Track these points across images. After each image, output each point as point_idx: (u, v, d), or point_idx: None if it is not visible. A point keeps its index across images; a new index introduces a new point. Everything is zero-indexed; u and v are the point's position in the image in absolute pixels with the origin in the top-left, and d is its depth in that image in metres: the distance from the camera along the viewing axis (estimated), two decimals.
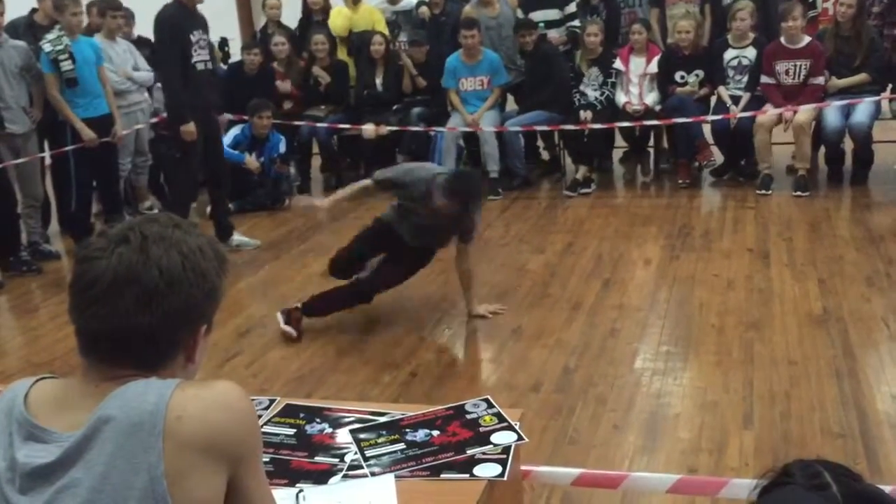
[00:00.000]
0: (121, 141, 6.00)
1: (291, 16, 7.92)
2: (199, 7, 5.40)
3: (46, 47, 5.52)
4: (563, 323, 4.20)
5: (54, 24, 5.97)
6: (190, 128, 5.31)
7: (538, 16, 6.99)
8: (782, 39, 6.18)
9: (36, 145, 5.72)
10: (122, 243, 1.19)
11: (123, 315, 1.15)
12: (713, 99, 6.59)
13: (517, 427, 1.96)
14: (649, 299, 4.42)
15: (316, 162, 7.59)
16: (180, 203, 5.68)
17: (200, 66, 5.37)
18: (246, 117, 6.74)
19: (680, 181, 6.64)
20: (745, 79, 6.38)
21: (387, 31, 7.39)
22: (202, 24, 5.42)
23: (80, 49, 5.63)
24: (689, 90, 6.48)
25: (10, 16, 5.82)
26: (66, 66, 5.53)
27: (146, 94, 6.68)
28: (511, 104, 7.34)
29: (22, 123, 5.57)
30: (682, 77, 6.53)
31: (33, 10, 6.21)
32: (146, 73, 6.59)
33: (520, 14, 7.05)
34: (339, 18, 7.46)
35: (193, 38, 5.30)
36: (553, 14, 7.05)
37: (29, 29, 5.99)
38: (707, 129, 6.53)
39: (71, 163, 5.75)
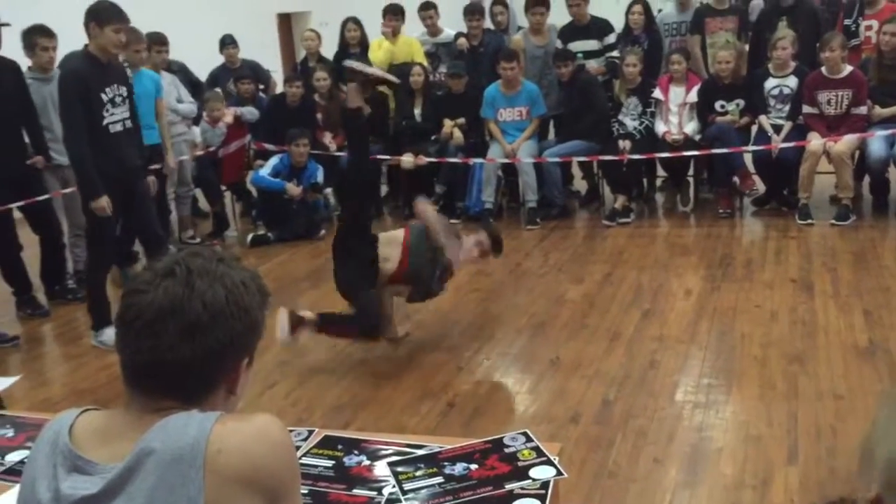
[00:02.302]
0: (173, 168, 6.14)
1: (329, 49, 8.05)
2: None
3: None
4: (602, 354, 4.16)
5: None
6: (101, 203, 4.49)
7: (577, 46, 7.02)
8: (823, 70, 6.12)
9: None
10: (167, 277, 1.21)
11: (167, 348, 1.17)
12: (754, 128, 6.54)
13: (556, 462, 1.94)
14: (690, 330, 4.37)
15: None
16: (95, 275, 4.87)
17: (116, 128, 4.61)
18: (286, 147, 6.84)
19: (721, 210, 6.58)
20: (787, 108, 6.32)
21: (426, 62, 7.46)
22: (118, 77, 4.69)
23: (140, 82, 5.78)
24: (729, 119, 6.44)
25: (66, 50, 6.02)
26: None
27: (190, 126, 6.82)
28: (551, 133, 7.36)
29: None
30: (723, 106, 6.49)
31: (87, 46, 6.36)
32: (189, 105, 6.73)
33: (559, 45, 7.08)
34: (380, 51, 7.55)
35: (105, 97, 4.55)
36: (592, 45, 7.06)
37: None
38: (748, 157, 6.48)
39: None
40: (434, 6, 7.68)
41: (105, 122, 4.54)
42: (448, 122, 7.07)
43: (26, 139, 5.39)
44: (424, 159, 7.03)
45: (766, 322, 4.38)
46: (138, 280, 1.23)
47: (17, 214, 5.39)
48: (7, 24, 5.13)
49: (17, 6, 6.11)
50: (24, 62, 5.51)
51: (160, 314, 1.18)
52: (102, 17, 4.45)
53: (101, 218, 4.58)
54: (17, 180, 5.22)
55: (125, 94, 4.69)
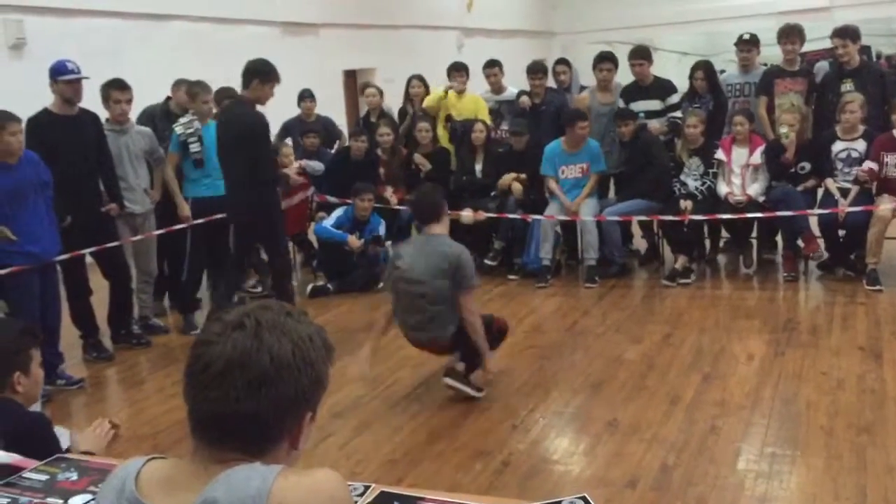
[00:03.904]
0: None
1: (392, 105, 8.21)
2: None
3: (178, 129, 6.01)
4: (661, 417, 4.08)
5: (186, 112, 6.41)
6: None
7: (639, 106, 7.04)
8: (894, 132, 6.02)
9: (154, 224, 6.04)
10: (237, 329, 1.23)
11: (234, 400, 1.19)
12: (820, 191, 6.43)
13: None
14: (753, 396, 4.26)
15: None
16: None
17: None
18: (349, 200, 6.95)
19: (785, 274, 6.45)
20: (854, 171, 6.21)
21: (489, 120, 7.55)
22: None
23: (209, 133, 5.99)
24: (785, 140, 6.30)
25: (144, 102, 6.32)
26: (195, 147, 5.95)
27: None
28: (612, 192, 7.35)
29: (141, 204, 5.91)
30: (790, 168, 6.41)
31: (168, 99, 6.65)
32: None
33: (621, 104, 7.11)
34: (435, 99, 7.65)
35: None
36: (654, 105, 7.08)
37: (165, 116, 6.46)
38: (814, 220, 6.36)
39: (188, 238, 6.04)
40: (499, 64, 7.80)
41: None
42: (508, 176, 7.11)
43: (101, 187, 5.60)
44: (484, 214, 7.07)
45: (832, 390, 4.25)
46: (208, 331, 1.26)
47: (88, 259, 5.56)
48: (86, 77, 5.36)
49: (98, 61, 6.40)
50: (103, 114, 5.75)
51: (228, 366, 1.20)
52: (267, 76, 5.33)
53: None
54: (91, 226, 5.41)
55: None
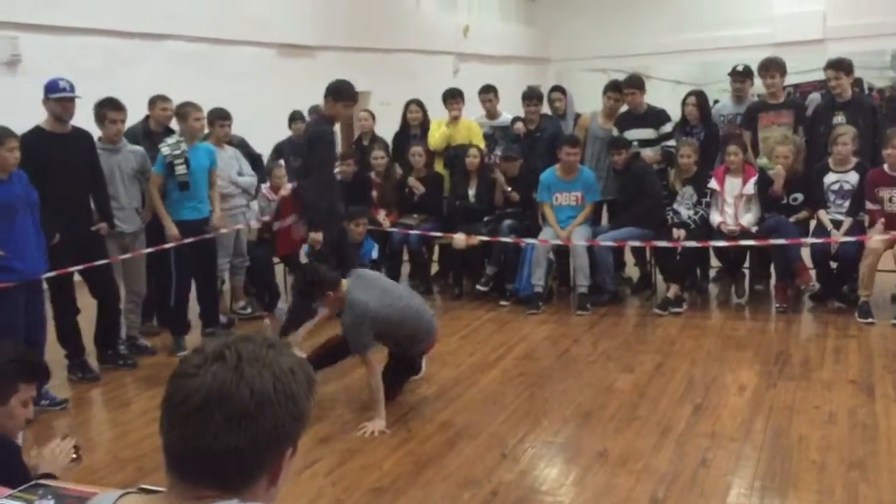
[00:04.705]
0: (217, 230, 6.23)
1: (388, 128, 8.21)
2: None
3: (164, 150, 5.86)
4: (652, 448, 4.04)
5: (167, 130, 6.39)
6: (318, 237, 5.95)
7: (633, 134, 7.05)
8: (885, 167, 6.03)
9: (144, 244, 5.99)
10: (217, 361, 1.19)
11: (212, 436, 1.15)
12: (812, 223, 6.43)
13: None
14: (744, 429, 4.22)
15: (406, 269, 7.69)
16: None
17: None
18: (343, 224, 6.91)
19: (777, 305, 6.44)
20: (847, 203, 6.22)
21: (483, 145, 7.55)
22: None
23: (196, 155, 5.95)
24: (771, 173, 6.32)
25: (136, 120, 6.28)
26: (181, 170, 5.84)
27: (249, 200, 6.97)
28: (605, 219, 7.35)
29: (132, 223, 5.87)
30: (783, 199, 6.41)
31: (146, 118, 6.60)
32: (250, 179, 6.89)
33: (615, 132, 7.12)
34: (438, 133, 7.68)
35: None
36: (648, 133, 7.09)
37: (146, 136, 6.37)
38: (806, 252, 6.36)
39: (172, 259, 5.97)
40: (494, 90, 7.82)
41: (336, 170, 5.94)
42: (462, 237, 7.06)
43: (92, 206, 5.56)
44: (476, 239, 7.05)
45: (824, 424, 4.22)
46: (187, 362, 1.21)
47: (76, 277, 5.51)
48: (79, 97, 5.34)
49: (92, 79, 6.39)
50: (95, 132, 5.72)
51: (207, 400, 1.16)
52: (338, 94, 5.83)
53: (326, 249, 5.91)
54: (80, 245, 5.36)
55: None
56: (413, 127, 7.84)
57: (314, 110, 7.90)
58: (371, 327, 4.48)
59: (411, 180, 7.50)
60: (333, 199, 5.98)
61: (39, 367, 2.76)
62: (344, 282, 4.62)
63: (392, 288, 4.81)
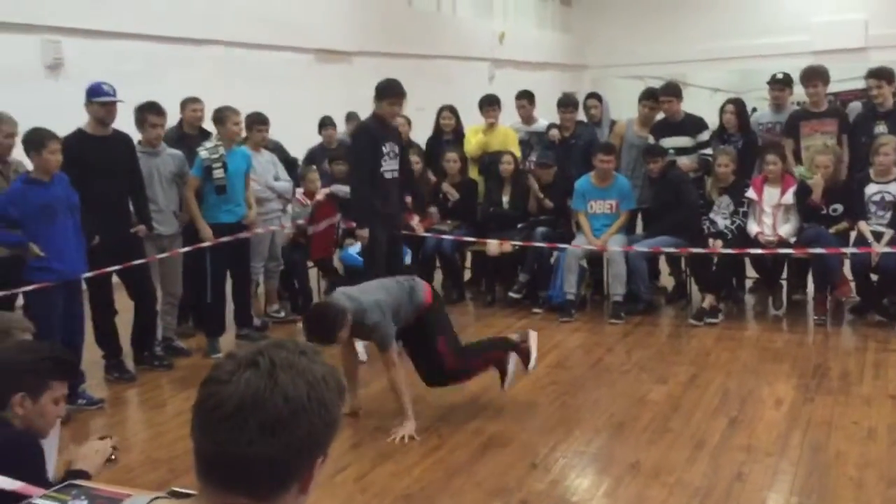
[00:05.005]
0: (253, 225, 6.29)
1: (422, 134, 8.22)
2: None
3: (203, 154, 5.92)
4: (685, 462, 3.98)
5: (202, 132, 6.47)
6: (365, 233, 5.99)
7: (669, 142, 6.98)
8: None
9: (181, 247, 6.05)
10: (250, 367, 1.19)
11: (245, 443, 1.15)
12: (853, 234, 6.32)
13: None
14: (780, 443, 4.15)
15: (439, 276, 7.69)
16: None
17: (389, 175, 5.95)
18: None
19: (816, 317, 6.33)
20: (889, 215, 6.10)
21: (518, 152, 7.53)
22: (395, 137, 6.05)
23: (233, 159, 6.01)
24: (809, 182, 6.24)
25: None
26: (218, 174, 5.90)
27: (285, 205, 7.03)
28: (639, 227, 7.29)
29: (170, 226, 5.94)
30: (822, 210, 6.31)
31: (180, 122, 6.67)
32: (286, 184, 6.94)
33: (651, 141, 7.06)
34: (475, 139, 7.67)
35: (384, 149, 5.90)
36: (684, 141, 7.02)
37: (180, 140, 6.41)
38: (846, 265, 6.24)
39: (207, 260, 6.03)
40: (529, 96, 7.80)
41: (382, 169, 5.88)
42: (496, 243, 7.06)
43: (131, 208, 5.64)
44: (510, 245, 7.03)
45: (863, 440, 4.14)
46: (220, 368, 1.21)
47: (114, 279, 5.59)
48: (121, 101, 5.43)
49: (133, 83, 6.48)
50: (135, 135, 5.81)
51: (241, 407, 1.15)
52: (380, 93, 5.90)
53: (373, 247, 5.97)
54: (119, 247, 5.43)
55: (397, 152, 6.02)
56: (446, 133, 7.85)
57: (351, 117, 7.96)
58: (391, 318, 4.49)
59: (445, 186, 7.51)
60: (371, 197, 5.90)
61: (72, 365, 2.78)
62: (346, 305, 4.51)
63: (371, 284, 4.79)
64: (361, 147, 5.97)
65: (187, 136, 6.46)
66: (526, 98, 7.80)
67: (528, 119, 7.83)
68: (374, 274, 5.76)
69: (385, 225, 6.02)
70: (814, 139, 6.62)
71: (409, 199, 7.44)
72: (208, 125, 6.50)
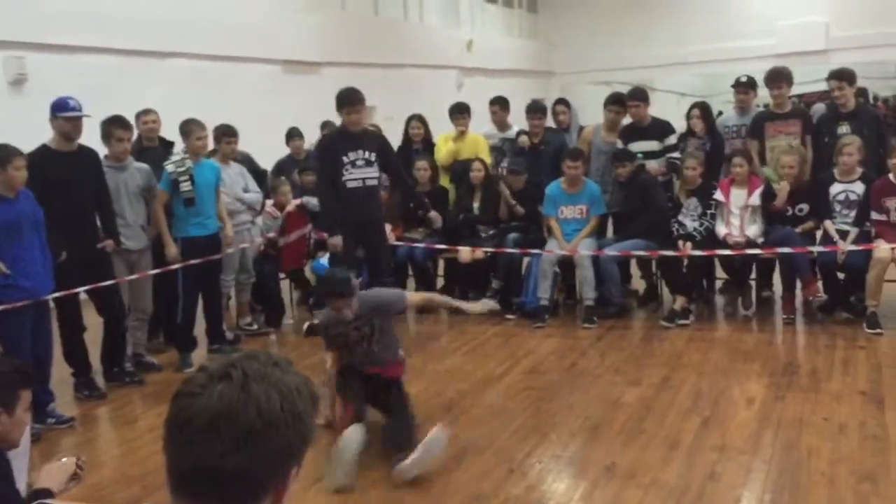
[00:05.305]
0: (231, 242, 6.28)
1: (393, 144, 8.22)
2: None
3: (169, 167, 5.89)
4: (660, 462, 4.01)
5: (163, 143, 6.48)
6: (335, 241, 6.14)
7: (637, 146, 7.04)
8: (891, 176, 6.02)
9: (150, 261, 6.00)
10: (223, 380, 1.18)
11: (218, 455, 1.14)
12: (819, 233, 6.41)
13: None
14: (753, 442, 4.20)
15: (411, 284, 7.69)
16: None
17: (353, 185, 6.01)
18: None
19: (784, 316, 6.41)
20: (853, 213, 6.20)
21: (489, 159, 7.56)
22: (363, 145, 6.06)
23: (201, 171, 5.97)
24: (775, 186, 6.32)
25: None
26: (185, 186, 5.86)
27: (255, 216, 6.99)
28: (610, 231, 7.34)
29: (138, 240, 5.88)
30: (788, 211, 6.40)
31: (139, 135, 6.58)
32: (255, 195, 6.91)
33: (619, 145, 7.12)
34: (445, 148, 7.68)
35: (346, 159, 5.98)
36: (652, 145, 7.09)
37: (139, 154, 6.23)
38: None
39: (179, 277, 5.98)
40: (501, 101, 7.82)
41: (344, 178, 5.94)
42: (467, 250, 7.10)
43: (98, 223, 5.58)
44: (481, 251, 7.05)
45: (833, 436, 4.19)
46: (192, 382, 1.20)
47: (82, 295, 5.52)
48: (87, 116, 5.38)
49: (98, 97, 6.42)
50: (101, 150, 5.74)
51: (214, 420, 1.14)
52: (339, 103, 5.99)
53: (343, 253, 6.03)
54: (86, 262, 5.37)
55: (371, 158, 6.04)
56: (415, 143, 7.86)
57: (326, 125, 7.98)
58: None
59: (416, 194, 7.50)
60: (335, 206, 6.08)
61: (32, 372, 2.83)
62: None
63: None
64: (321, 158, 6.28)
65: (147, 150, 6.37)
66: (499, 104, 7.82)
67: (501, 125, 7.86)
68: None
69: (355, 233, 6.07)
70: (778, 140, 6.71)
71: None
72: (172, 136, 6.44)
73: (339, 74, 11.80)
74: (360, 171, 6.02)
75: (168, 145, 6.61)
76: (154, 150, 6.38)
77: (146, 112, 6.52)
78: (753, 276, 6.99)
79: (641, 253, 6.79)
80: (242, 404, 1.16)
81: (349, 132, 6.05)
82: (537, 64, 18.99)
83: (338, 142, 6.08)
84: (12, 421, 2.57)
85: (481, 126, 8.07)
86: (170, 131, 6.60)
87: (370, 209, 6.21)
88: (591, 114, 9.30)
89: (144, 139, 6.51)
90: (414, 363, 5.85)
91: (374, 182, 6.14)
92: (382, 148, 6.26)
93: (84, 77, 7.90)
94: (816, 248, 6.21)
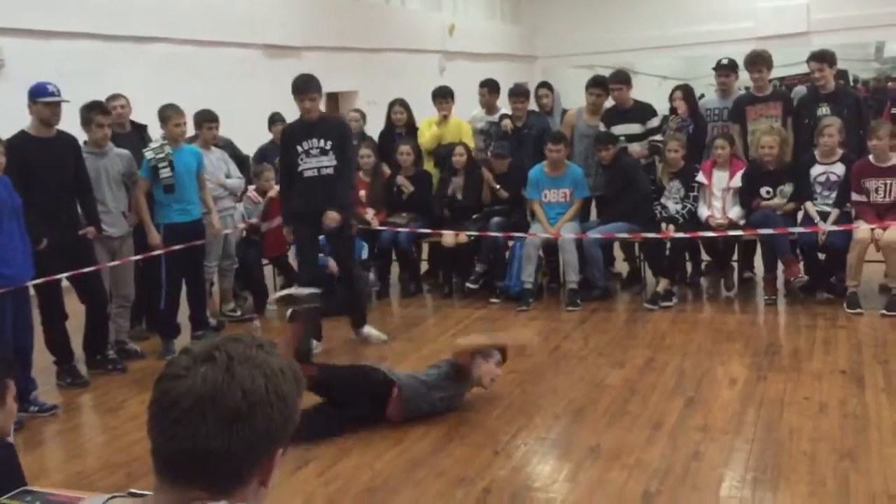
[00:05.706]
0: (218, 232, 6.26)
1: (374, 128, 8.21)
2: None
3: (148, 154, 5.83)
4: (644, 443, 4.04)
5: (136, 127, 6.42)
6: (286, 231, 6.19)
7: (620, 129, 7.05)
8: (871, 157, 6.07)
9: (132, 248, 5.95)
10: (206, 362, 1.18)
11: (203, 437, 1.14)
12: (800, 214, 6.46)
13: None
14: (735, 421, 4.24)
15: (395, 268, 7.68)
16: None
17: (309, 174, 5.80)
18: None
19: (766, 297, 6.46)
20: (834, 194, 6.25)
21: (472, 143, 7.54)
22: (319, 133, 5.82)
23: (181, 157, 5.92)
24: (777, 203, 6.35)
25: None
26: (165, 173, 5.80)
27: (236, 202, 6.95)
28: (593, 214, 7.36)
29: (119, 227, 5.84)
30: (769, 192, 6.43)
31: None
32: (237, 181, 6.87)
33: (602, 128, 7.13)
34: (429, 132, 7.66)
35: (301, 148, 5.81)
36: (635, 128, 7.10)
37: (115, 139, 6.04)
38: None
39: (161, 263, 5.95)
40: (490, 84, 7.78)
41: (300, 168, 5.79)
42: (451, 234, 7.08)
43: (79, 210, 5.53)
44: (464, 235, 7.05)
45: (815, 415, 4.24)
46: (175, 364, 1.20)
47: (64, 283, 5.47)
48: (66, 101, 5.31)
49: (77, 83, 6.35)
50: (81, 136, 5.69)
51: (198, 402, 1.14)
52: (292, 91, 5.77)
53: (299, 246, 6.05)
54: (68, 250, 5.32)
55: (326, 147, 5.79)
56: (398, 127, 7.83)
57: (273, 120, 7.91)
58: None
59: (400, 179, 7.49)
60: (286, 196, 6.07)
61: (12, 360, 2.81)
62: None
63: None
64: (280, 147, 6.27)
65: (119, 136, 6.18)
66: (488, 87, 7.78)
67: (490, 108, 7.83)
68: (305, 272, 5.97)
69: (313, 223, 5.86)
70: (759, 123, 6.74)
71: (362, 192, 7.43)
72: (153, 123, 6.36)
73: (321, 59, 11.76)
74: (315, 160, 5.82)
75: (141, 129, 6.54)
76: (126, 135, 6.28)
77: (115, 97, 6.34)
78: (735, 257, 7.03)
79: (624, 236, 6.82)
80: (227, 386, 1.15)
81: (304, 121, 5.89)
82: (520, 48, 18.95)
83: (295, 131, 5.95)
84: (4, 411, 2.55)
85: (464, 110, 8.04)
86: (150, 117, 6.53)
87: (326, 198, 5.87)
88: (573, 97, 9.30)
89: (115, 125, 6.37)
90: (400, 347, 5.89)
91: (330, 171, 5.82)
92: (340, 136, 5.98)
93: (63, 62, 7.81)
94: (797, 230, 6.26)
